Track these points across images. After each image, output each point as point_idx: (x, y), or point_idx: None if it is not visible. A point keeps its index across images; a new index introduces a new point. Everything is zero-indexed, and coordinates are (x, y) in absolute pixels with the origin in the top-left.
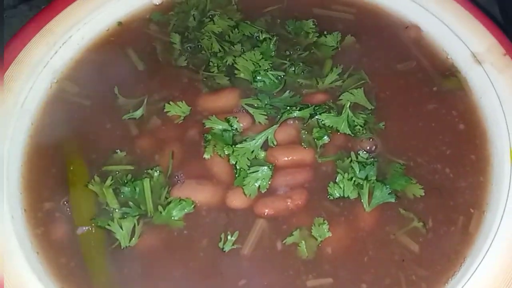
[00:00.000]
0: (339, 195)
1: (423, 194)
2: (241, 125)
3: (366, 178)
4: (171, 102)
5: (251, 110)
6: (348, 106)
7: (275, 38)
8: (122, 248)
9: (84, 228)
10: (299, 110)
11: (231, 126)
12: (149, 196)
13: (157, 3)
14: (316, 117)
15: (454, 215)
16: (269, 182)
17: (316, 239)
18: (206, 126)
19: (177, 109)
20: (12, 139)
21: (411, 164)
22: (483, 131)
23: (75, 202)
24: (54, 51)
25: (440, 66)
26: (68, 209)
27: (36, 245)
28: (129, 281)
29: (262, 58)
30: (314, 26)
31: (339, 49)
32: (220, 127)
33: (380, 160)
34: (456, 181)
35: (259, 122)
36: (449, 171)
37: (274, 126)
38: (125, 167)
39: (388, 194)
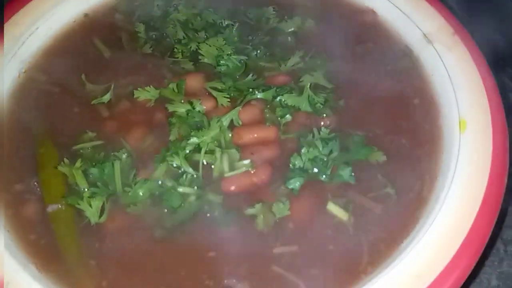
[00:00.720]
0: (299, 166)
1: (385, 158)
2: (204, 107)
3: (331, 152)
4: (139, 88)
5: (214, 92)
6: (308, 86)
7: (237, 24)
8: (91, 225)
9: (54, 206)
10: (262, 92)
11: (194, 108)
12: (119, 177)
13: None
14: (279, 97)
15: (411, 181)
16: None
17: (274, 215)
18: (169, 110)
19: (146, 94)
20: None
21: (370, 135)
22: (436, 105)
23: (45, 182)
24: (21, 42)
25: (395, 47)
26: (38, 189)
27: (7, 224)
28: (99, 255)
29: (225, 43)
30: (274, 13)
31: (299, 33)
32: (183, 110)
33: (341, 134)
34: (412, 150)
35: (222, 105)
36: (405, 142)
37: (238, 107)
38: (94, 143)
39: (350, 175)
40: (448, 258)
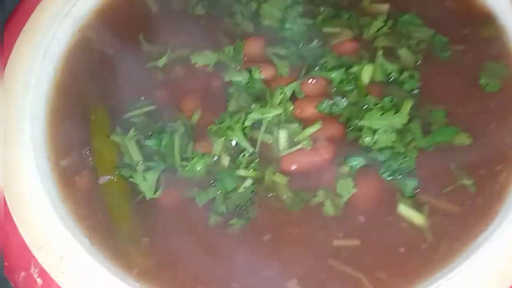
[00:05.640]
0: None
1: (472, 141)
2: (263, 76)
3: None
4: (196, 52)
5: (275, 60)
6: (381, 53)
7: None
8: (146, 200)
9: (106, 178)
10: (329, 70)
11: (252, 77)
12: (178, 150)
13: None
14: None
15: (494, 171)
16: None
17: (342, 197)
18: (226, 79)
19: (203, 59)
20: (35, 88)
21: (453, 113)
22: None
23: (97, 152)
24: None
25: (477, 13)
26: (90, 159)
27: (61, 194)
28: (153, 232)
29: (289, 5)
30: None
31: None
32: (240, 78)
33: (421, 111)
34: (500, 133)
35: (281, 75)
36: (494, 124)
37: (301, 78)
38: (147, 109)
39: (411, 190)
40: None
